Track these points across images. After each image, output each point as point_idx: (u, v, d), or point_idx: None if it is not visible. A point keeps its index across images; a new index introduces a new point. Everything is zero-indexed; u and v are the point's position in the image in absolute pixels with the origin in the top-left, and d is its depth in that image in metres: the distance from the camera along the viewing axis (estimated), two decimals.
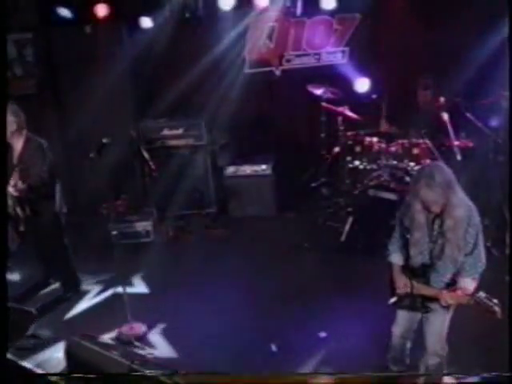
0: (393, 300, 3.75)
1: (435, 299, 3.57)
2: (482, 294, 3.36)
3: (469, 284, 3.47)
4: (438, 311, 3.65)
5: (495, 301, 3.31)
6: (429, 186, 3.36)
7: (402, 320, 3.84)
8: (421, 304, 3.64)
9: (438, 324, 3.69)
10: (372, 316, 4.41)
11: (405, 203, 3.68)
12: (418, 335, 3.87)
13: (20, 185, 5.03)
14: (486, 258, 3.55)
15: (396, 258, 3.74)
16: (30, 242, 5.72)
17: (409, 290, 3.60)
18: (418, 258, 3.59)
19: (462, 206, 3.46)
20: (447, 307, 3.60)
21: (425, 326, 3.76)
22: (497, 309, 3.28)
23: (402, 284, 3.63)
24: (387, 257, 3.81)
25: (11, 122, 5.14)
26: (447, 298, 3.46)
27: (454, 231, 3.44)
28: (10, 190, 5.06)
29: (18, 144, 5.26)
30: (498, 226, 5.75)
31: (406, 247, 3.64)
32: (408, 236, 3.60)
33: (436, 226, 3.51)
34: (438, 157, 5.87)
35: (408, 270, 3.65)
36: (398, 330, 3.89)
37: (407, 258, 3.65)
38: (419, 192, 3.42)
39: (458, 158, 5.79)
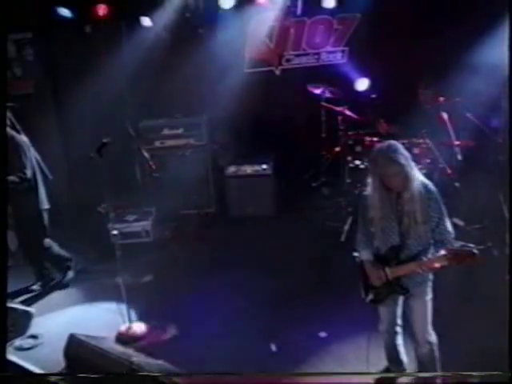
0: (370, 297, 3.78)
1: (411, 279, 3.62)
2: (455, 245, 3.44)
3: (440, 250, 3.51)
4: (417, 296, 3.70)
5: (471, 245, 3.37)
6: (389, 160, 3.44)
7: (384, 315, 3.88)
8: (399, 287, 3.66)
9: (421, 309, 3.73)
10: (372, 316, 4.39)
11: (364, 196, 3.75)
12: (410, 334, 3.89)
13: None
14: (452, 228, 3.62)
15: (365, 255, 3.77)
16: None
17: (383, 279, 3.64)
18: (386, 241, 3.63)
19: (419, 180, 3.55)
20: (426, 290, 3.68)
21: (409, 315, 3.80)
22: (475, 251, 3.33)
23: (376, 277, 3.67)
24: (356, 257, 3.84)
25: None
26: (427, 264, 3.51)
27: (411, 204, 3.51)
28: None
29: None
30: (498, 226, 5.75)
31: (372, 239, 3.70)
32: (373, 229, 3.66)
33: (399, 208, 3.57)
34: (438, 156, 5.87)
35: (379, 259, 3.69)
36: (383, 326, 3.93)
37: (376, 247, 3.70)
38: (380, 168, 3.49)
39: (459, 157, 5.79)
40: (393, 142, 3.60)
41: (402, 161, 3.45)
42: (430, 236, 3.59)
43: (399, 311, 3.87)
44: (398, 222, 3.59)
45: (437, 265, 3.50)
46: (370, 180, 3.66)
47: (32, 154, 5.52)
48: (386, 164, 3.45)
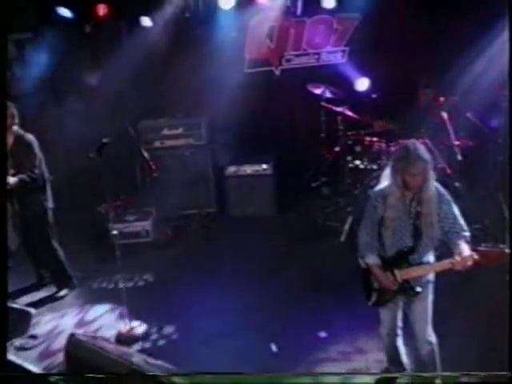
0: (373, 299, 3.76)
1: (416, 281, 3.61)
2: (481, 246, 3.38)
3: (463, 248, 3.46)
4: (419, 298, 3.69)
5: (501, 246, 3.32)
6: (417, 157, 3.45)
7: (385, 318, 3.88)
8: (409, 289, 3.64)
9: (422, 310, 3.73)
10: (372, 316, 4.40)
11: (371, 194, 3.76)
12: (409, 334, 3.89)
13: (11, 179, 5.12)
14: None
15: (373, 259, 3.70)
16: (19, 237, 5.75)
17: (396, 284, 3.62)
18: (397, 243, 3.61)
19: (434, 182, 3.56)
20: (428, 291, 3.68)
21: (410, 316, 3.79)
22: (507, 250, 3.26)
23: (389, 282, 3.64)
24: (360, 260, 3.79)
25: (8, 117, 5.18)
26: (460, 264, 3.40)
27: (428, 205, 3.52)
28: None
29: (9, 139, 5.30)
30: (498, 226, 5.74)
31: (378, 241, 3.67)
32: (383, 229, 3.62)
33: (413, 209, 3.57)
34: (438, 156, 5.87)
35: (386, 262, 3.66)
36: (384, 329, 3.93)
37: (385, 248, 3.66)
38: (405, 165, 3.47)
39: (458, 157, 5.79)
40: (417, 142, 3.62)
41: (426, 161, 3.47)
42: (444, 238, 3.57)
43: (400, 314, 3.86)
44: (411, 224, 3.58)
45: (463, 266, 3.40)
46: (390, 179, 3.61)
47: (39, 153, 5.49)
48: (415, 161, 3.44)
